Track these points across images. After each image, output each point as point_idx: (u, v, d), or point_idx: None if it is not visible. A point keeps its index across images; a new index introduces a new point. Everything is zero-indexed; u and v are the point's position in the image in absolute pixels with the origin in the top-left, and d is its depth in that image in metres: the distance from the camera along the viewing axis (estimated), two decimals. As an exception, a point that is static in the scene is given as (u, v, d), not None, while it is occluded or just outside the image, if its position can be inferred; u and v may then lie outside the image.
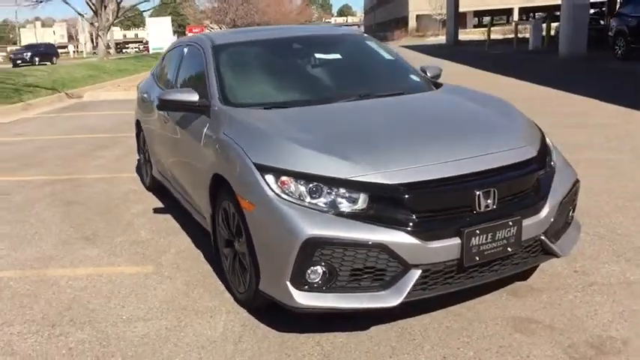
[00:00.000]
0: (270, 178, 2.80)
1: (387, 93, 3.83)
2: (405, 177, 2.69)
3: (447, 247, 2.69)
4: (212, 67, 3.93)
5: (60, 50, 54.31)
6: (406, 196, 2.67)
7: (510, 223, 2.78)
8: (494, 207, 2.78)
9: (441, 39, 41.29)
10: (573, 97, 10.74)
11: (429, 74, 4.43)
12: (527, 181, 2.96)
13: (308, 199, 2.72)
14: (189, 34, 46.28)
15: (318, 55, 4.16)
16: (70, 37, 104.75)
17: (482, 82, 13.53)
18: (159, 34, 33.79)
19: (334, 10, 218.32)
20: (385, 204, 2.68)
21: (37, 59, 38.79)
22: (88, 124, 11.03)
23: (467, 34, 48.25)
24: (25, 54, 40.21)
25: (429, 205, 2.71)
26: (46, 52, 40.88)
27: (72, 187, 6.20)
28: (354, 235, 2.61)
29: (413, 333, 2.92)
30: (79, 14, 28.05)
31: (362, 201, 2.70)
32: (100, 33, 22.59)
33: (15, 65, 36.42)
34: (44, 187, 6.29)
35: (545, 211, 2.95)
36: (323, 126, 3.24)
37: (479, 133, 3.16)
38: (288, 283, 2.71)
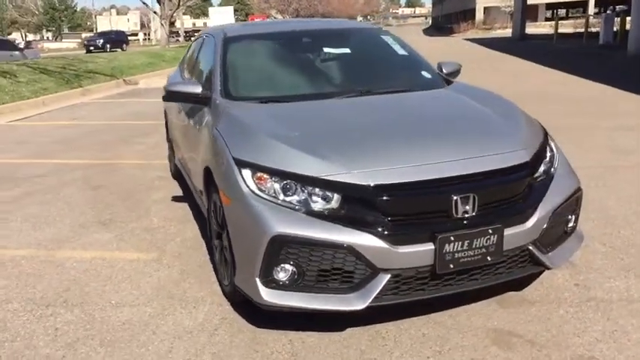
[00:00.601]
0: (247, 173, 2.79)
1: (391, 89, 3.74)
2: (377, 178, 2.62)
3: (418, 252, 2.60)
4: (219, 59, 3.96)
5: (131, 38, 56.33)
6: (377, 197, 2.60)
7: (490, 232, 2.66)
8: (474, 213, 2.66)
9: (508, 32, 39.89)
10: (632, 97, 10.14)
11: (444, 71, 4.29)
12: (514, 187, 2.81)
13: (281, 197, 2.70)
14: (252, 24, 46.98)
15: (326, 50, 4.11)
16: (142, 25, 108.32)
17: (528, 76, 13.00)
18: (221, 23, 34.40)
19: (402, 1, 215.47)
20: (357, 205, 2.62)
21: (108, 46, 40.40)
22: (138, 111, 11.39)
23: (537, 28, 46.47)
24: (97, 41, 41.96)
25: (402, 209, 2.63)
26: (116, 39, 42.50)
27: (105, 172, 6.43)
28: (320, 236, 2.57)
29: (386, 338, 2.85)
30: (144, 3, 29.01)
31: (335, 201, 2.65)
32: (162, 22, 23.29)
33: (88, 51, 38.05)
34: (79, 170, 6.55)
35: (533, 220, 2.80)
36: (311, 122, 3.20)
37: (471, 135, 3.02)
38: (257, 279, 2.71)
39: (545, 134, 3.26)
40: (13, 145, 8.34)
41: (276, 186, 2.71)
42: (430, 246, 2.60)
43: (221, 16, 36.20)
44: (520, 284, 3.25)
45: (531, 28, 42.02)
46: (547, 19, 55.98)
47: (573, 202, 3.10)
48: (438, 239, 2.58)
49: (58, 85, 13.93)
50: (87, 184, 5.94)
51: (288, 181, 2.70)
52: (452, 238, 2.60)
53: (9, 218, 4.94)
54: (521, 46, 27.58)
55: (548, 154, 3.14)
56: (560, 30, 30.80)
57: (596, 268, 3.49)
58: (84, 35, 57.94)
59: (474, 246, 2.64)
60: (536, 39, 32.49)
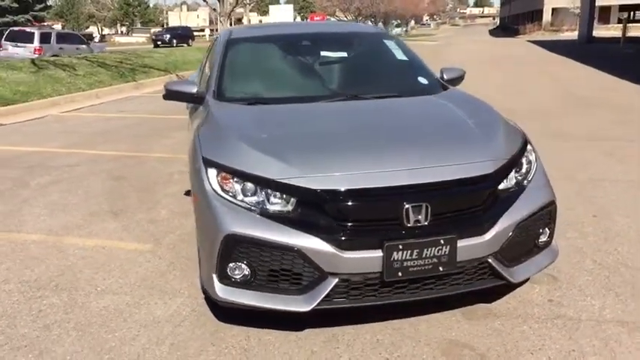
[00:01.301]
0: (212, 172, 2.90)
1: (380, 95, 3.75)
2: (329, 183, 2.66)
3: (366, 258, 2.63)
4: (219, 60, 4.10)
5: (198, 33, 57.97)
6: (328, 203, 2.64)
7: (442, 242, 2.65)
8: (426, 223, 2.65)
9: (576, 35, 38.39)
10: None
11: (445, 77, 4.26)
12: (472, 198, 2.78)
13: (240, 197, 2.78)
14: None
15: (323, 53, 4.15)
16: (211, 21, 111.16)
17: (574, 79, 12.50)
18: (281, 20, 34.88)
19: (470, 1, 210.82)
20: (310, 209, 2.68)
21: (174, 41, 41.71)
22: (181, 105, 11.73)
23: (608, 30, 44.45)
24: (165, 36, 43.42)
25: (352, 215, 2.66)
26: (183, 35, 43.82)
27: (131, 164, 6.73)
28: (271, 237, 2.64)
29: (341, 341, 2.89)
30: (204, 0, 29.73)
31: (291, 204, 2.71)
32: (220, 19, 23.93)
33: (155, 45, 39.45)
34: (108, 162, 6.88)
35: (492, 233, 2.76)
36: (286, 125, 3.27)
37: (438, 144, 3.00)
38: (214, 275, 2.81)
39: (524, 146, 3.18)
40: (58, 134, 8.84)
41: (237, 186, 2.80)
42: (378, 253, 2.62)
43: (281, 14, 36.68)
44: (491, 296, 3.21)
45: (601, 31, 40.30)
46: (619, 22, 53.40)
47: (545, 216, 3.03)
48: (386, 247, 2.60)
49: (113, 79, 14.60)
50: (111, 175, 6.24)
51: (248, 182, 2.78)
52: (400, 247, 2.61)
53: (32, 204, 5.27)
54: (584, 49, 26.50)
55: (525, 166, 3.08)
56: (633, 33, 29.34)
57: (578, 285, 3.38)
58: (153, 30, 60.09)
59: (424, 255, 2.64)
60: (604, 42, 31.11)
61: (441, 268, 2.69)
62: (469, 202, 2.77)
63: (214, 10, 25.14)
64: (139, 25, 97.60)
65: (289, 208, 2.71)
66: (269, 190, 2.74)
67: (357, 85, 3.94)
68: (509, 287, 3.23)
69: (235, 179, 2.81)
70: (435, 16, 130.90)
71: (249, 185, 2.78)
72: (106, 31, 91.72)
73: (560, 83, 13.90)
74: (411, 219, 2.64)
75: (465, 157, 2.87)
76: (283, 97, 3.71)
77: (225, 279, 2.78)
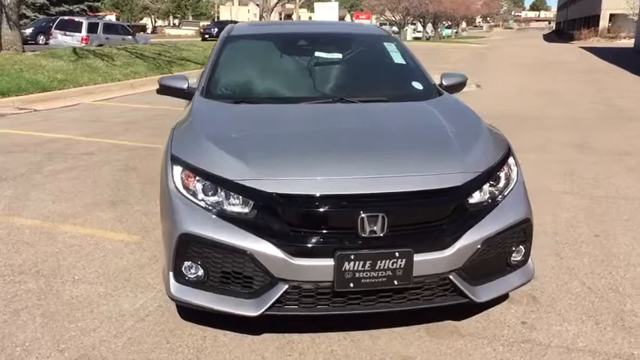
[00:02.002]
0: (177, 170, 2.89)
1: (368, 99, 3.67)
2: (284, 187, 2.61)
3: (317, 266, 2.56)
4: (214, 57, 4.10)
5: (245, 28, 58.35)
6: (281, 207, 2.59)
7: (397, 255, 2.55)
8: (382, 234, 2.57)
9: (632, 43, 36.90)
10: None
11: (444, 83, 4.14)
12: (434, 211, 2.67)
13: (200, 196, 2.76)
14: (356, 21, 47.13)
15: (318, 54, 4.09)
16: (261, 17, 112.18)
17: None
18: (325, 17, 34.84)
19: (527, 4, 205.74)
20: (265, 212, 2.63)
21: (221, 34, 42.32)
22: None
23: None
24: (212, 29, 44.05)
25: (305, 221, 2.60)
26: (229, 29, 44.39)
27: (146, 155, 6.83)
28: (222, 238, 2.61)
29: (294, 349, 2.83)
30: (248, -4, 30.03)
31: (248, 206, 2.67)
32: (263, 14, 24.14)
33: (203, 39, 40.15)
34: (125, 152, 7.01)
35: (455, 248, 2.65)
36: (262, 125, 3.23)
37: (408, 153, 2.89)
38: (170, 273, 2.80)
39: (504, 159, 3.03)
40: (84, 122, 9.06)
41: (199, 185, 2.78)
42: (329, 262, 2.55)
43: (325, 11, 36.62)
44: (462, 313, 3.08)
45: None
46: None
47: (519, 234, 2.89)
48: (337, 256, 2.53)
49: (149, 70, 14.90)
50: (123, 166, 6.35)
51: (208, 181, 2.76)
52: (352, 257, 2.53)
53: (40, 190, 5.41)
54: (637, 58, 25.44)
55: (503, 180, 2.95)
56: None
57: (558, 308, 3.22)
58: (201, 24, 61.10)
59: (377, 267, 2.56)
60: (661, 52, 29.80)
61: (395, 282, 2.60)
62: (431, 215, 2.67)
63: (257, 5, 25.40)
64: (190, 18, 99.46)
65: (247, 210, 2.67)
66: (227, 191, 2.70)
67: (347, 88, 3.86)
68: (484, 305, 3.11)
69: (197, 178, 2.79)
70: (488, 19, 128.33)
71: (210, 185, 2.75)
72: (159, 22, 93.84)
73: (604, 93, 13.39)
74: (367, 229, 2.55)
75: (433, 168, 2.77)
76: (270, 97, 3.69)
77: (180, 278, 2.77)
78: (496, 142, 3.18)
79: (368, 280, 2.58)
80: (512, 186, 2.97)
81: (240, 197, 2.67)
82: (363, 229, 2.55)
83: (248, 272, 2.63)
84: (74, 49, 14.81)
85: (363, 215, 2.55)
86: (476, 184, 2.79)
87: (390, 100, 3.69)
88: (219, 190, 2.73)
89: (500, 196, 2.88)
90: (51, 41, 22.92)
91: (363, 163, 2.75)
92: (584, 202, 5.14)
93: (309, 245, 2.57)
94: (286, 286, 2.60)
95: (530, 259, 3.02)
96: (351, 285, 2.57)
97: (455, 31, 77.72)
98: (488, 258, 2.79)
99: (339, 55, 4.11)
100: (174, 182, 2.85)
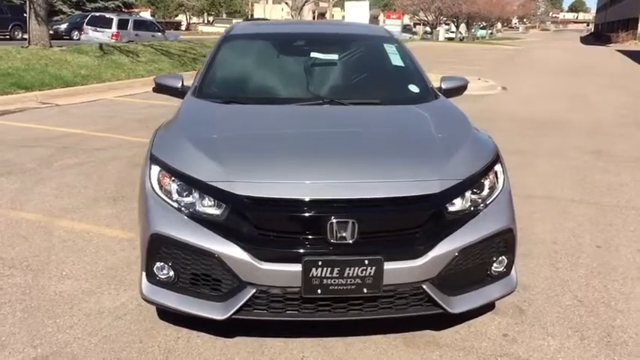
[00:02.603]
0: (155, 169, 2.88)
1: (360, 101, 3.61)
2: (254, 190, 2.57)
3: (284, 272, 2.52)
4: (210, 57, 4.09)
5: (276, 26, 58.63)
6: (250, 210, 2.55)
7: (366, 262, 2.49)
8: (351, 241, 2.51)
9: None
10: None
11: (443, 86, 4.05)
12: (407, 219, 2.59)
13: (175, 197, 2.74)
14: (386, 21, 46.74)
15: (313, 55, 4.03)
16: (292, 15, 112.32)
17: None
18: (356, 17, 34.64)
19: (565, 5, 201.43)
20: (235, 215, 2.60)
21: (252, 32, 42.58)
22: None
23: None
24: (243, 26, 44.45)
25: (274, 225, 2.56)
26: (259, 26, 44.64)
27: (155, 152, 6.88)
28: (191, 240, 2.59)
29: (265, 353, 2.80)
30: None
31: (220, 208, 2.64)
32: (292, 12, 24.18)
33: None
34: (136, 148, 7.07)
35: (427, 257, 2.57)
36: (245, 126, 3.21)
37: (388, 158, 2.82)
38: (143, 273, 2.80)
39: (489, 167, 2.93)
40: (102, 118, 9.19)
41: (174, 186, 2.76)
42: (297, 267, 2.50)
43: (356, 11, 36.43)
44: (443, 323, 3.00)
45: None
46: None
47: (500, 244, 2.80)
48: (304, 262, 2.48)
49: (173, 67, 15.04)
50: (131, 162, 6.40)
51: (183, 182, 2.74)
52: (320, 263, 2.48)
53: (46, 184, 5.49)
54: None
55: (486, 188, 2.85)
56: None
57: (543, 321, 3.11)
58: (234, 21, 61.74)
59: (346, 275, 2.50)
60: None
61: (365, 290, 2.53)
62: (404, 223, 2.60)
63: (286, 3, 25.48)
64: (224, 16, 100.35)
65: (219, 212, 2.64)
66: (200, 192, 2.68)
67: (340, 89, 3.80)
68: (467, 316, 3.03)
69: (172, 178, 2.78)
70: (524, 20, 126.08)
71: (184, 186, 2.73)
72: (193, 20, 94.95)
73: (634, 99, 13.00)
74: (336, 235, 2.50)
75: (410, 174, 2.69)
76: (260, 98, 3.65)
77: (152, 278, 2.76)
78: (483, 149, 3.08)
79: (336, 288, 2.52)
80: (496, 194, 2.87)
81: (211, 198, 2.65)
82: (332, 235, 2.50)
83: (216, 275, 2.60)
84: (100, 45, 15.05)
85: (332, 221, 2.49)
86: (455, 192, 2.70)
87: (383, 103, 3.62)
88: (193, 192, 2.71)
89: (481, 205, 2.79)
90: (82, 37, 23.42)
91: (338, 168, 2.69)
92: (591, 210, 4.97)
93: (277, 250, 2.53)
94: (254, 290, 2.56)
95: (513, 270, 2.92)
96: (319, 292, 2.52)
97: (489, 32, 76.58)
98: (466, 268, 2.71)
99: (335, 57, 4.05)
100: (150, 182, 2.85)
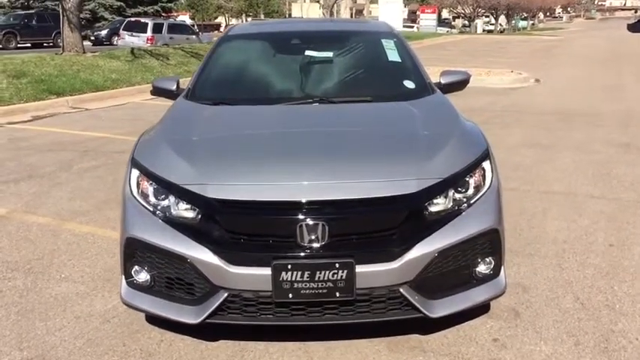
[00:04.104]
0: (134, 173, 2.88)
1: (351, 99, 3.53)
2: (224, 193, 2.54)
3: (254, 275, 2.48)
4: (206, 58, 4.09)
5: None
6: (219, 213, 2.52)
7: (337, 265, 2.42)
8: (322, 243, 2.44)
9: None
10: None
11: (443, 81, 3.93)
12: (382, 220, 2.51)
13: (152, 200, 2.74)
14: (421, 15, 46.07)
15: (308, 53, 3.96)
16: (331, 13, 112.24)
17: None
18: (389, 13, 34.32)
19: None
20: (207, 218, 2.57)
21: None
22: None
23: None
24: (278, 26, 44.71)
25: (243, 228, 2.52)
26: (295, 26, 44.78)
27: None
28: (163, 244, 2.58)
29: (244, 357, 2.77)
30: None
31: (194, 211, 2.62)
32: (323, 11, 24.15)
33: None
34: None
35: (404, 259, 2.48)
36: (228, 127, 3.19)
37: (365, 158, 2.73)
38: (122, 276, 2.81)
39: (475, 164, 2.79)
40: (126, 121, 9.37)
41: (150, 189, 2.76)
42: (267, 271, 2.45)
43: (390, 7, 36.01)
44: (431, 327, 2.89)
45: None
46: None
47: (484, 246, 2.68)
48: (273, 265, 2.43)
49: (203, 69, 15.20)
50: (147, 164, 6.49)
51: (159, 185, 2.73)
52: (289, 266, 2.43)
53: (62, 188, 5.62)
54: None
55: (472, 187, 2.73)
56: None
57: (538, 325, 2.97)
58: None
59: (316, 278, 2.44)
60: None
61: (337, 294, 2.47)
62: (379, 225, 2.51)
63: (318, 1, 25.50)
64: (262, 17, 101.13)
65: (192, 215, 2.62)
66: (175, 196, 2.66)
67: (331, 87, 3.72)
68: (460, 318, 2.92)
69: (149, 182, 2.77)
70: (568, 9, 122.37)
71: (160, 189, 2.72)
72: (232, 21, 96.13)
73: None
74: (305, 238, 2.44)
75: (386, 173, 2.60)
76: (250, 98, 3.62)
77: (131, 282, 2.76)
78: (471, 145, 2.95)
79: (308, 292, 2.46)
80: (482, 193, 2.74)
81: (185, 201, 2.63)
82: (302, 238, 2.44)
83: (189, 279, 2.59)
84: (132, 50, 15.36)
85: (302, 223, 2.44)
86: (434, 192, 2.60)
87: (375, 100, 3.52)
88: (169, 195, 2.70)
89: (465, 204, 2.68)
90: (119, 42, 23.96)
91: (310, 169, 2.62)
92: (610, 207, 4.74)
93: (247, 253, 2.49)
94: (226, 295, 2.53)
95: (502, 272, 2.79)
96: (290, 296, 2.47)
97: (531, 22, 74.65)
98: (447, 270, 2.60)
99: (330, 54, 3.97)
100: (129, 185, 2.85)
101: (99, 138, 7.99)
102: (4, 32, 25.25)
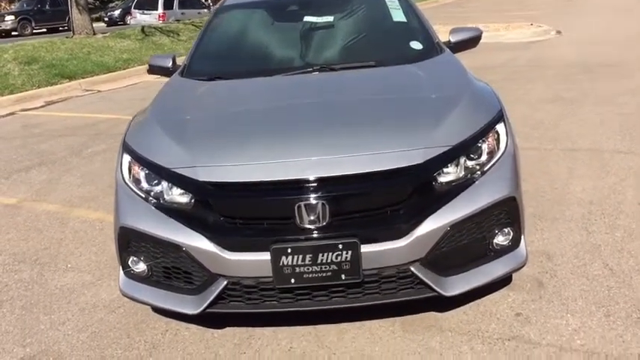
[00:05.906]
0: (126, 158, 2.74)
1: (354, 65, 3.30)
2: (217, 175, 2.38)
3: (253, 261, 2.32)
4: (202, 32, 3.90)
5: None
6: (213, 197, 2.36)
7: (340, 246, 2.25)
8: (324, 224, 2.27)
9: None
10: None
11: (452, 40, 3.67)
12: (387, 194, 2.31)
13: (144, 186, 2.60)
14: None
15: (307, 19, 3.72)
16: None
17: None
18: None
19: None
20: (200, 203, 2.42)
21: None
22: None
23: None
24: None
25: (239, 212, 2.35)
26: None
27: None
28: (157, 233, 2.44)
29: (252, 345, 2.63)
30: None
31: (187, 196, 2.47)
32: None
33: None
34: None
35: (413, 236, 2.30)
36: (222, 104, 3.03)
37: (372, 128, 2.52)
38: (120, 268, 2.69)
39: (489, 127, 2.56)
40: (138, 101, 9.18)
41: (142, 174, 2.61)
42: (266, 256, 2.29)
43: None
44: (449, 303, 2.71)
45: None
46: None
47: (501, 216, 2.47)
48: (272, 250, 2.27)
49: (214, 43, 14.95)
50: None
51: (150, 170, 2.58)
52: (289, 250, 2.26)
53: (72, 173, 5.54)
54: None
55: (485, 154, 2.51)
56: None
57: (564, 296, 2.77)
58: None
59: (319, 261, 2.27)
60: None
61: (343, 277, 2.30)
62: (382, 200, 2.32)
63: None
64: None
65: (186, 201, 2.47)
66: (167, 180, 2.51)
67: (333, 54, 3.49)
68: (479, 292, 2.73)
69: (141, 167, 2.62)
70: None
71: (152, 174, 2.57)
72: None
73: None
74: (305, 219, 2.27)
75: (389, 144, 2.39)
76: (247, 71, 3.41)
77: (129, 273, 2.64)
78: (483, 108, 2.71)
79: (311, 276, 2.30)
80: (496, 158, 2.52)
81: (177, 186, 2.47)
82: (301, 219, 2.27)
83: (186, 268, 2.45)
84: (142, 28, 15.16)
85: (300, 203, 2.26)
86: (443, 161, 2.39)
87: (379, 65, 3.28)
88: (161, 180, 2.55)
89: (478, 172, 2.46)
90: (131, 21, 23.76)
91: (308, 144, 2.43)
92: (639, 163, 4.45)
93: (244, 238, 2.33)
94: (225, 282, 2.39)
95: (522, 242, 2.59)
96: (293, 281, 2.31)
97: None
98: (462, 245, 2.41)
99: (331, 18, 3.72)
100: (121, 171, 2.71)
101: (108, 120, 7.89)
102: (18, 19, 25.23)
